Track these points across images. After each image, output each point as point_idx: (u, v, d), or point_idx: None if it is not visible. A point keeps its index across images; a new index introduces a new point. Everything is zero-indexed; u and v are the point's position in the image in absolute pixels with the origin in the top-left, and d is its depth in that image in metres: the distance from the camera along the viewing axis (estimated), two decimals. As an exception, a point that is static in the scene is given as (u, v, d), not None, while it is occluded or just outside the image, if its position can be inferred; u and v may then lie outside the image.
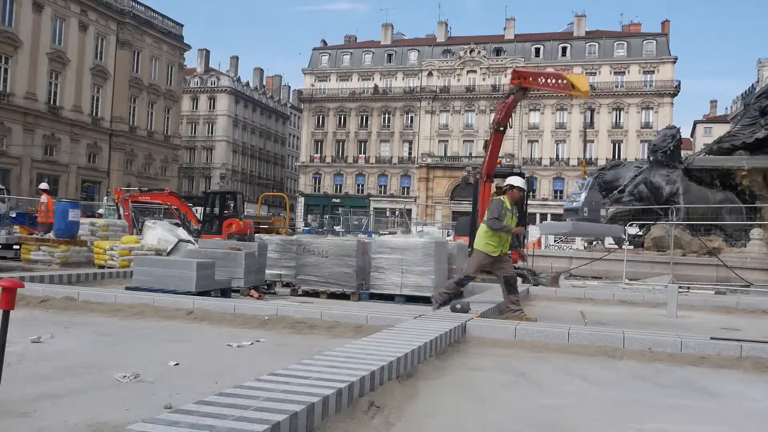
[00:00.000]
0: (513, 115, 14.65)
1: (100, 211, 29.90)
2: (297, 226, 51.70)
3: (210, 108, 76.53)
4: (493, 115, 15.30)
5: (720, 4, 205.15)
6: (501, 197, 8.10)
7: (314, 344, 5.70)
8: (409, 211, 63.52)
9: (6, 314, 3.17)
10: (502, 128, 14.60)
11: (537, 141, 64.52)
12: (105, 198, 28.49)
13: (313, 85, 72.29)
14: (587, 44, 65.39)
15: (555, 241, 29.38)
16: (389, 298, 9.74)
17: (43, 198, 16.01)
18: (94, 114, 47.22)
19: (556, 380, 4.85)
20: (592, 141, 63.64)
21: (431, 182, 66.59)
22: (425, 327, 5.98)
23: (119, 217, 18.91)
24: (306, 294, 10.07)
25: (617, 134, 63.07)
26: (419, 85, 68.29)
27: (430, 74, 68.26)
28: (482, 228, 7.99)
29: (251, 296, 9.45)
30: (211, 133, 76.10)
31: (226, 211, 19.39)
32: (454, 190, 64.06)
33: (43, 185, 17.18)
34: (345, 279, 9.87)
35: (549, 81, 12.15)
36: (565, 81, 10.55)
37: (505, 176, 16.59)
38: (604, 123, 63.25)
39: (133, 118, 51.31)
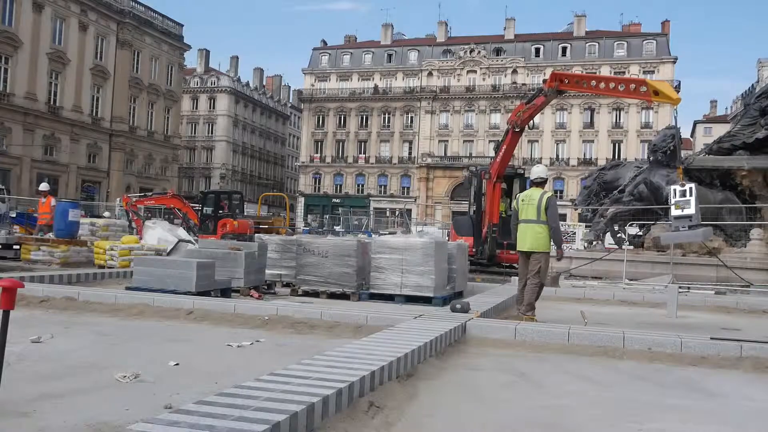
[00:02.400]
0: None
1: (106, 213, 29.82)
2: (297, 226, 51.70)
3: (210, 108, 76.51)
4: (509, 116, 15.27)
5: (720, 4, 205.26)
6: (550, 192, 8.02)
7: (314, 344, 5.70)
8: (409, 211, 63.50)
9: (6, 314, 3.17)
10: (518, 129, 14.62)
11: (537, 141, 64.53)
12: (117, 200, 28.44)
13: (313, 85, 72.28)
14: (587, 44, 65.39)
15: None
16: (389, 298, 9.73)
17: (53, 201, 15.48)
18: (94, 114, 47.20)
19: (556, 380, 4.85)
20: (592, 141, 63.67)
21: (431, 182, 66.58)
22: (425, 327, 5.98)
23: (128, 221, 18.85)
24: (306, 294, 10.06)
25: (617, 134, 63.08)
26: (419, 85, 68.28)
27: (430, 74, 68.25)
28: (543, 228, 7.68)
29: (251, 296, 9.44)
30: (211, 133, 76.09)
31: (220, 211, 19.47)
32: (454, 190, 64.07)
33: (45, 186, 16.80)
34: (345, 279, 9.87)
35: (609, 85, 12.07)
36: (645, 88, 10.50)
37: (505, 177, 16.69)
38: (604, 123, 63.26)
39: (133, 118, 51.29)
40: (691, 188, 8.15)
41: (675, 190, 8.33)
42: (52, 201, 15.33)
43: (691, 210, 8.03)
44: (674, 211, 8.23)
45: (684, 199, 8.10)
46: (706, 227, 8.59)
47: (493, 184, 15.64)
